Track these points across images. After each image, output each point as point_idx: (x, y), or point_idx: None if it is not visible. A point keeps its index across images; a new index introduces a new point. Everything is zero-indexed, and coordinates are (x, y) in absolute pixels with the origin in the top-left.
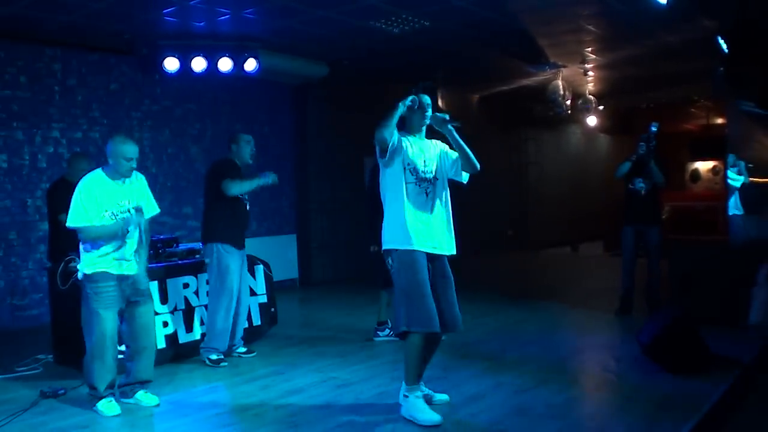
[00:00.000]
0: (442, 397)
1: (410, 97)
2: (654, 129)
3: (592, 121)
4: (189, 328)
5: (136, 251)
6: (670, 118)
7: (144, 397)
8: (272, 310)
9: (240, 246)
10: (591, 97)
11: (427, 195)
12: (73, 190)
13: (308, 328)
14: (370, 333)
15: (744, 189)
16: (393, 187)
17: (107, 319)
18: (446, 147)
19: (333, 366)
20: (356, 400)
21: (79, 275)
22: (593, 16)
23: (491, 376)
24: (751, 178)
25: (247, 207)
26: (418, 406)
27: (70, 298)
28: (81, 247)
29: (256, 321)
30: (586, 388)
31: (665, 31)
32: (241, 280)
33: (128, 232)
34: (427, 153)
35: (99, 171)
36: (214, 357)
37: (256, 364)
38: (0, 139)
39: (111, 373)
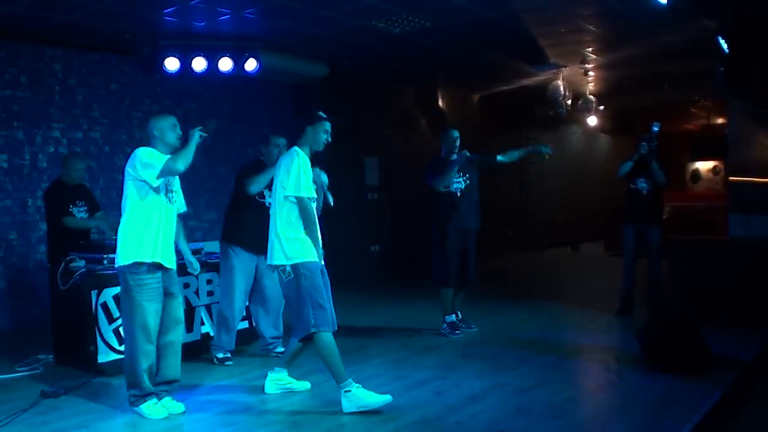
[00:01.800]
0: (305, 384)
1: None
2: (656, 129)
3: (592, 121)
4: (189, 328)
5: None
6: (671, 118)
7: (169, 405)
8: None
9: (254, 250)
10: (591, 97)
11: (316, 210)
12: (69, 191)
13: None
14: (370, 332)
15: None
16: (304, 206)
17: (150, 312)
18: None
19: None
20: None
21: (120, 264)
22: (594, 16)
23: (491, 376)
24: (752, 178)
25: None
26: (363, 395)
27: (70, 298)
28: (122, 233)
29: None
30: (587, 388)
31: (665, 31)
32: (272, 281)
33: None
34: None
35: (150, 148)
36: (220, 355)
37: (257, 363)
38: (0, 138)
39: (152, 369)
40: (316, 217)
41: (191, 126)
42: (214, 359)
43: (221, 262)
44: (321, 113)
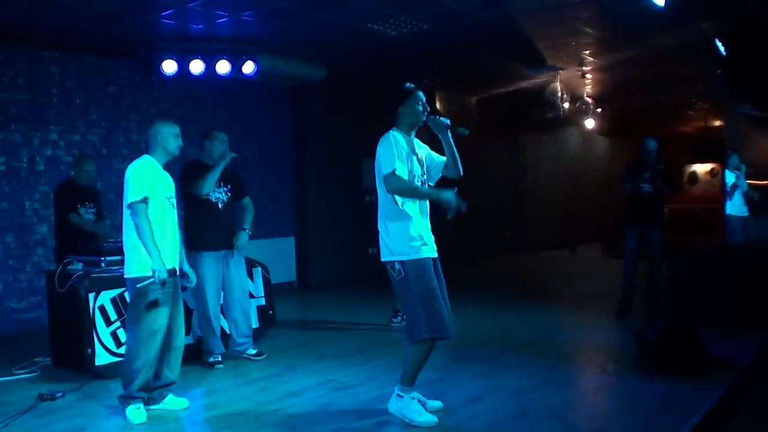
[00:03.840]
0: (435, 403)
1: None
2: (653, 146)
3: (589, 123)
4: (186, 331)
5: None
6: (668, 121)
7: (173, 402)
8: (270, 312)
9: (217, 248)
10: (589, 99)
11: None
12: (79, 191)
13: (306, 330)
14: (369, 335)
15: (747, 191)
16: (397, 177)
17: (164, 315)
18: (428, 149)
19: (331, 368)
20: (355, 402)
21: (128, 274)
22: (591, 19)
23: (490, 377)
24: (750, 181)
25: (220, 206)
26: (413, 407)
27: (68, 300)
28: (128, 244)
29: (255, 323)
30: (585, 389)
31: (663, 33)
32: (234, 281)
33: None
34: (420, 155)
35: (148, 157)
36: (210, 359)
37: (254, 366)
38: None
39: (150, 372)
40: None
41: (189, 128)
42: (205, 363)
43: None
44: (408, 85)
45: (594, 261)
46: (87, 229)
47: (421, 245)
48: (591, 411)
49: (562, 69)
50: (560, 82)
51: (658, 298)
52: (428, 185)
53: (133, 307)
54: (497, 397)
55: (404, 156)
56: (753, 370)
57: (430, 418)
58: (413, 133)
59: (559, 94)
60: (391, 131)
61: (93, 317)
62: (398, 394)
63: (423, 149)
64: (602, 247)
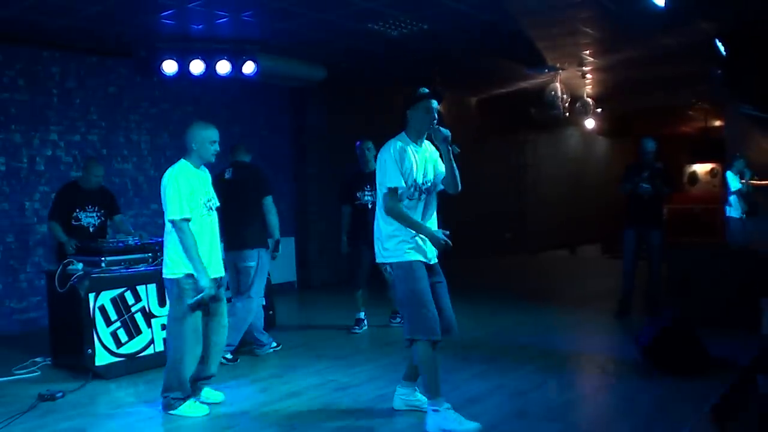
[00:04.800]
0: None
1: None
2: (651, 146)
3: (589, 123)
4: None
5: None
6: (668, 121)
7: (211, 394)
8: (270, 313)
9: None
10: (589, 99)
11: (424, 205)
12: (80, 194)
13: (307, 330)
14: (369, 335)
15: (746, 194)
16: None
17: (199, 314)
18: (437, 155)
19: (332, 369)
20: (355, 402)
21: (170, 275)
22: (591, 19)
23: (490, 378)
24: (754, 182)
25: None
26: (452, 417)
27: (68, 301)
28: (170, 246)
29: None
30: (585, 390)
31: (663, 33)
32: None
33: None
34: (428, 162)
35: (183, 161)
36: (229, 356)
37: (255, 366)
38: None
39: (194, 368)
40: (430, 205)
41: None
42: (223, 360)
43: (254, 267)
44: (421, 90)
45: (594, 261)
46: (60, 240)
47: (408, 248)
48: (591, 412)
49: (562, 69)
50: (560, 82)
51: (658, 299)
52: (431, 188)
53: (174, 309)
54: (497, 398)
55: (403, 168)
56: (753, 370)
57: (473, 426)
58: (422, 140)
59: (560, 94)
60: (394, 139)
61: (93, 317)
62: (433, 409)
63: (432, 157)
64: (602, 247)
